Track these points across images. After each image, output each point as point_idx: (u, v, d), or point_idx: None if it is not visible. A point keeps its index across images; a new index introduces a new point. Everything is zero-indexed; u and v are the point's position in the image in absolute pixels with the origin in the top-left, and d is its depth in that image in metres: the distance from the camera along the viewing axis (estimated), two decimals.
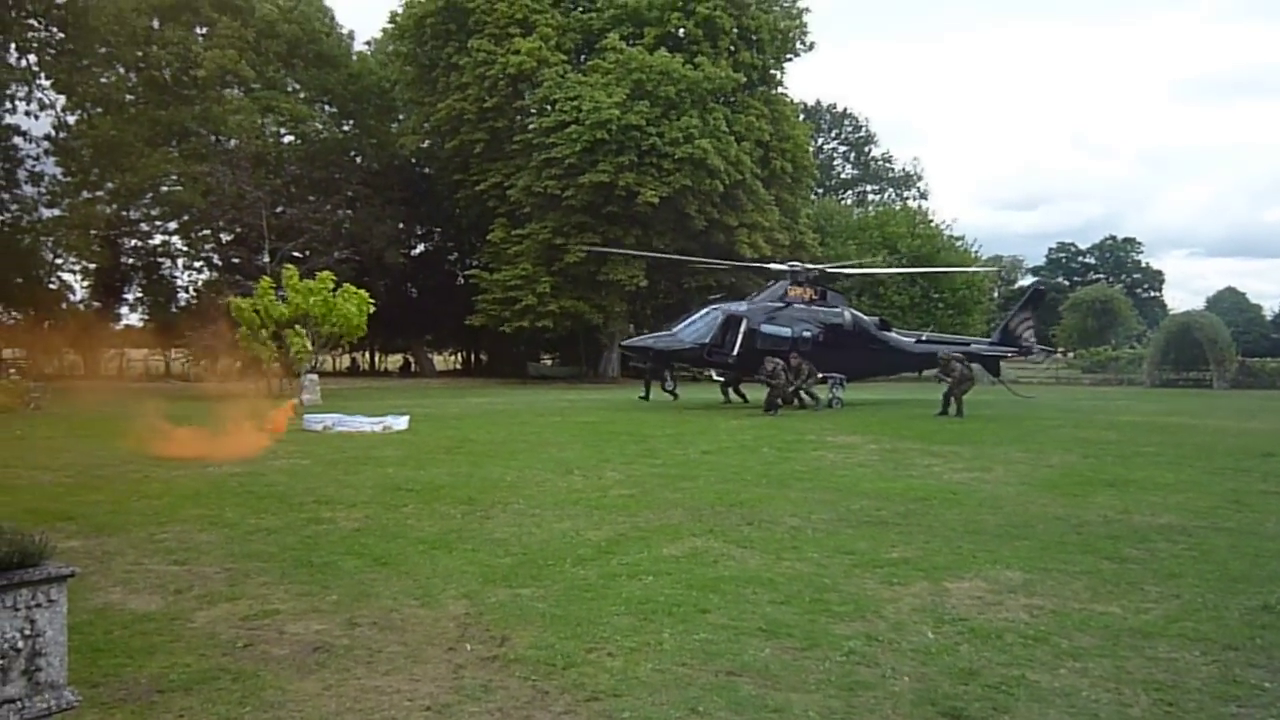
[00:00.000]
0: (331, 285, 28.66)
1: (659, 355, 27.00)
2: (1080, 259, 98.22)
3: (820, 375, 25.75)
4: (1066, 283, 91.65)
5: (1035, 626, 6.11)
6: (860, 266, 43.14)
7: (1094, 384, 50.33)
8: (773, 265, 30.99)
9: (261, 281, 29.59)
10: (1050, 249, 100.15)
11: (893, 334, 29.40)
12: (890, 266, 52.47)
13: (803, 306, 26.85)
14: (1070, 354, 67.27)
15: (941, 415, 23.01)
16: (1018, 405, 28.74)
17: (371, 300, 29.89)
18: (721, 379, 28.27)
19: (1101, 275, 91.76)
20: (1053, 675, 5.25)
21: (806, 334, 26.18)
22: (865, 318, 28.97)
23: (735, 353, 25.34)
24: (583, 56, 50.47)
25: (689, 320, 26.91)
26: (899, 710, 4.75)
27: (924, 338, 30.98)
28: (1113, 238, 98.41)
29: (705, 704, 4.80)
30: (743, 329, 25.43)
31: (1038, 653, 5.62)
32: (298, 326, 28.13)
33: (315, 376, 30.28)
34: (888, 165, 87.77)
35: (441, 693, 4.96)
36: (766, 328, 25.79)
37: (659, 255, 40.94)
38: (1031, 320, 31.84)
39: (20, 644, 3.50)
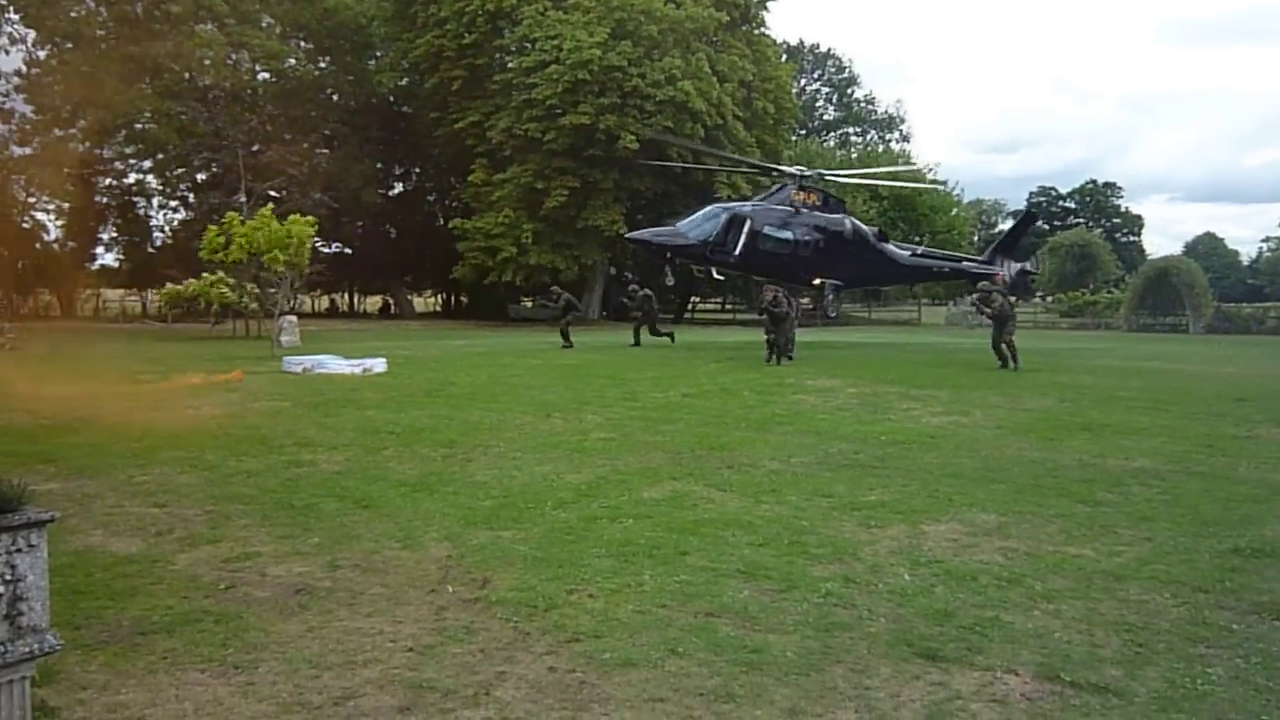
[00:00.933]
0: (272, 219, 28.24)
1: (661, 250, 26.92)
2: (1060, 203, 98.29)
3: (817, 281, 25.90)
4: (1046, 226, 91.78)
5: (1009, 569, 6.20)
6: (857, 177, 42.76)
7: (1072, 328, 50.64)
8: (778, 168, 30.73)
9: (219, 224, 29.28)
10: (1031, 193, 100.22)
11: (890, 245, 29.40)
12: (880, 187, 52.24)
13: (805, 211, 26.83)
14: (1049, 298, 67.56)
15: (1003, 368, 20.71)
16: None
17: (313, 221, 29.33)
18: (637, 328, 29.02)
19: (1081, 219, 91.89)
20: (1026, 617, 5.34)
21: (807, 239, 26.20)
22: (865, 227, 28.90)
23: (738, 252, 25.33)
24: None
25: (693, 218, 26.82)
26: (875, 651, 4.83)
27: (918, 252, 30.95)
28: (1093, 182, 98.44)
29: (685, 645, 4.86)
30: (746, 229, 25.39)
31: (1011, 594, 5.71)
32: (218, 273, 28.06)
33: (294, 318, 30.12)
34: (870, 107, 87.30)
35: (423, 634, 5.01)
36: (769, 229, 25.79)
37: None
38: (1019, 240, 31.72)
39: (1, 589, 3.49)
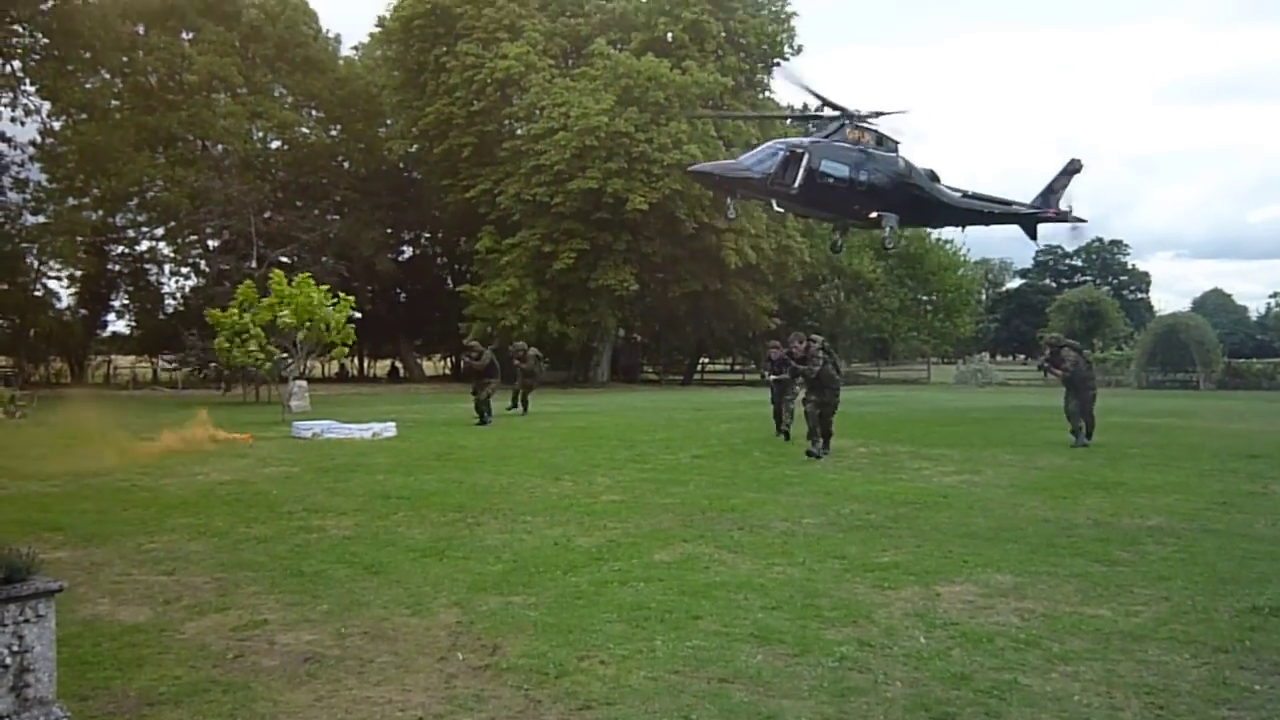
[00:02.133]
0: (313, 290, 28.10)
1: (723, 183, 26.90)
2: (1067, 261, 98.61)
3: (874, 215, 26.04)
4: (1054, 285, 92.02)
5: (1026, 630, 6.12)
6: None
7: None
8: (826, 112, 30.74)
9: (241, 286, 29.29)
10: (1038, 251, 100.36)
11: (941, 186, 29.33)
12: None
13: (861, 148, 26.84)
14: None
15: (1079, 445, 16.67)
16: (1007, 408, 28.82)
17: (353, 302, 29.42)
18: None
19: (1089, 277, 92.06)
20: (1044, 679, 5.26)
21: (863, 175, 26.19)
22: (919, 167, 28.86)
23: (796, 186, 25.29)
24: (570, 62, 50.48)
25: (753, 153, 26.85)
26: (891, 716, 4.75)
27: (968, 193, 30.74)
28: (1099, 240, 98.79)
29: (698, 712, 4.79)
30: (804, 164, 25.42)
31: (1029, 656, 5.63)
32: (254, 329, 27.92)
33: (304, 383, 30.19)
34: None
35: (433, 703, 4.95)
36: (827, 164, 25.79)
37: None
38: (1067, 188, 31.47)
39: (8, 660, 3.47)
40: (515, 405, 26.18)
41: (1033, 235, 30.92)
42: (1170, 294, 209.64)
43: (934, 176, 28.54)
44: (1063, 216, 30.02)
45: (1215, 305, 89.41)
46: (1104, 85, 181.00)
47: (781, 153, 25.61)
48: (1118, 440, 18.25)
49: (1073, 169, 30.65)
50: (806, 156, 25.43)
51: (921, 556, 8.18)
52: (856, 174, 26.10)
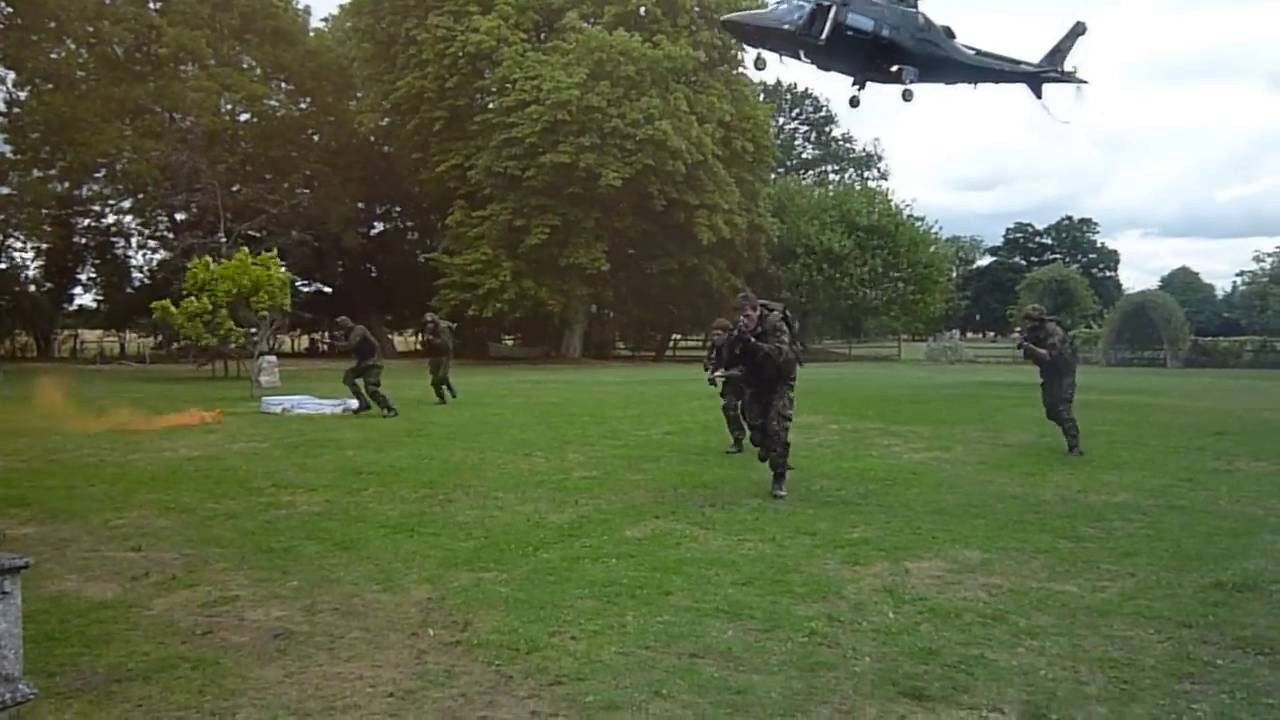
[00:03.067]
0: (248, 259, 28.15)
1: (754, 32, 26.97)
2: (1037, 239, 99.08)
3: (895, 69, 26.23)
4: (1024, 262, 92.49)
5: (994, 605, 6.18)
6: None
7: None
8: None
9: (194, 263, 29.09)
10: (1008, 229, 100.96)
11: (957, 43, 29.45)
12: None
13: (884, 3, 26.98)
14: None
15: (1072, 451, 13.41)
16: (976, 385, 29.05)
17: (279, 262, 29.19)
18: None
19: (1058, 255, 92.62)
20: (1011, 654, 5.32)
21: (886, 31, 26.33)
22: (935, 23, 28.96)
23: (824, 37, 25.41)
24: (543, 35, 50.12)
25: (783, 4, 26.88)
26: (860, 690, 4.79)
27: (981, 52, 30.80)
28: (1069, 218, 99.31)
29: (669, 686, 4.82)
30: (831, 16, 25.50)
31: (996, 632, 5.69)
32: (200, 298, 27.80)
33: (273, 358, 29.95)
34: (848, 145, 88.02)
35: (404, 679, 4.95)
36: (853, 17, 25.91)
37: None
38: (1071, 50, 31.59)
39: None
40: (441, 399, 21.82)
41: (1038, 94, 30.84)
42: (1139, 272, 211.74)
43: (950, 33, 28.71)
44: (1067, 76, 30.16)
45: (1183, 284, 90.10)
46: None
47: (810, 5, 25.75)
48: (1085, 417, 18.36)
49: (1077, 32, 30.66)
50: (834, 9, 25.55)
51: (891, 532, 8.25)
52: (880, 28, 26.19)
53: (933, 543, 7.89)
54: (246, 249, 28.58)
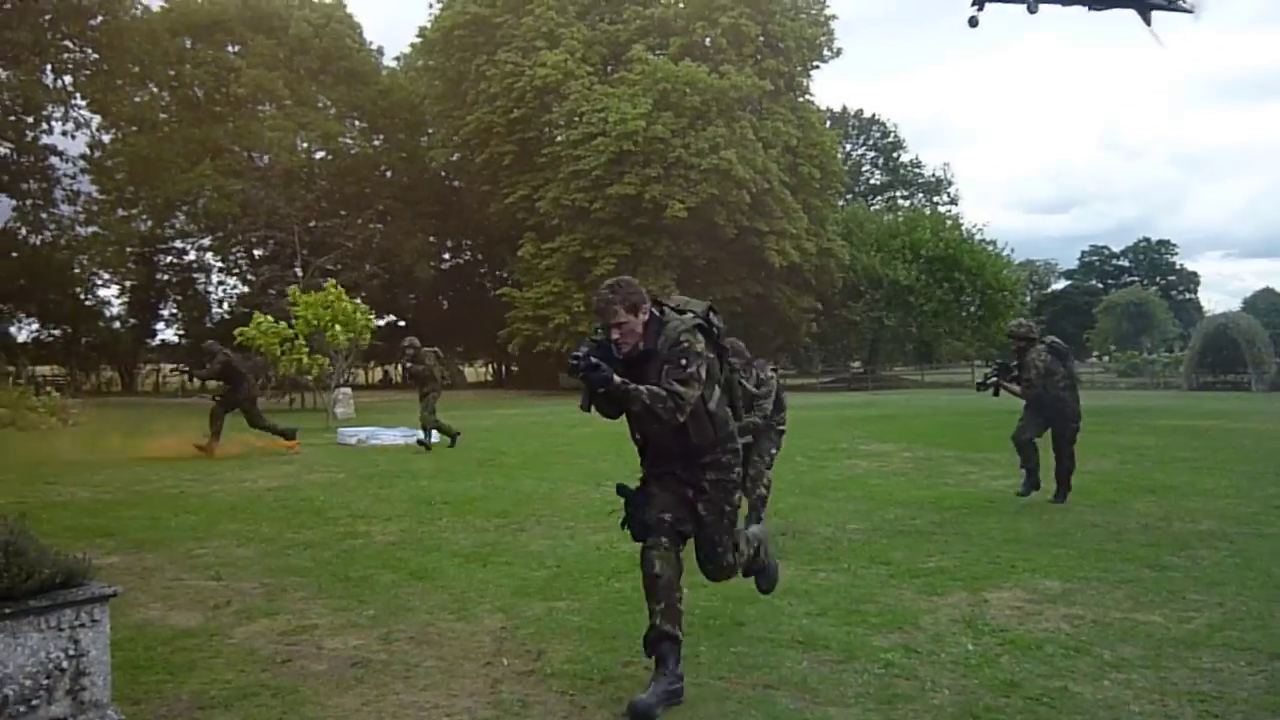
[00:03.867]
0: (334, 295, 28.35)
1: None
2: (1114, 261, 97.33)
3: None
4: (1100, 285, 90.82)
5: (1076, 637, 6.03)
6: None
7: (1130, 387, 49.79)
8: None
9: (255, 315, 29.30)
10: (1083, 252, 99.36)
11: None
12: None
13: None
14: (1105, 357, 66.59)
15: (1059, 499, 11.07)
16: None
17: (363, 302, 29.36)
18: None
19: (1136, 278, 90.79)
20: (1095, 687, 5.18)
21: None
22: None
23: None
24: (609, 68, 50.63)
25: None
26: None
27: None
28: (1146, 240, 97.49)
29: (743, 718, 4.77)
30: None
31: (1079, 664, 5.55)
32: (300, 341, 27.97)
33: (348, 390, 30.48)
34: (917, 171, 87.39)
35: (479, 707, 4.96)
36: None
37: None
38: None
39: (65, 664, 3.53)
40: (426, 443, 18.07)
41: (1147, 21, 30.30)
42: (1220, 294, 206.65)
43: None
44: (1175, 5, 29.70)
45: (1266, 305, 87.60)
46: (1150, 82, 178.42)
47: None
48: (1168, 443, 17.98)
49: None
50: None
51: (968, 562, 8.10)
52: None
53: (1011, 572, 7.74)
54: (334, 283, 28.87)
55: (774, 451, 9.74)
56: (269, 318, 28.33)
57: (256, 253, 50.39)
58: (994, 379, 11.29)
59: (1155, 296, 75.15)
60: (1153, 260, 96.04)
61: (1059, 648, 5.82)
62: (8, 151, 45.48)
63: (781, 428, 9.82)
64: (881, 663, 5.55)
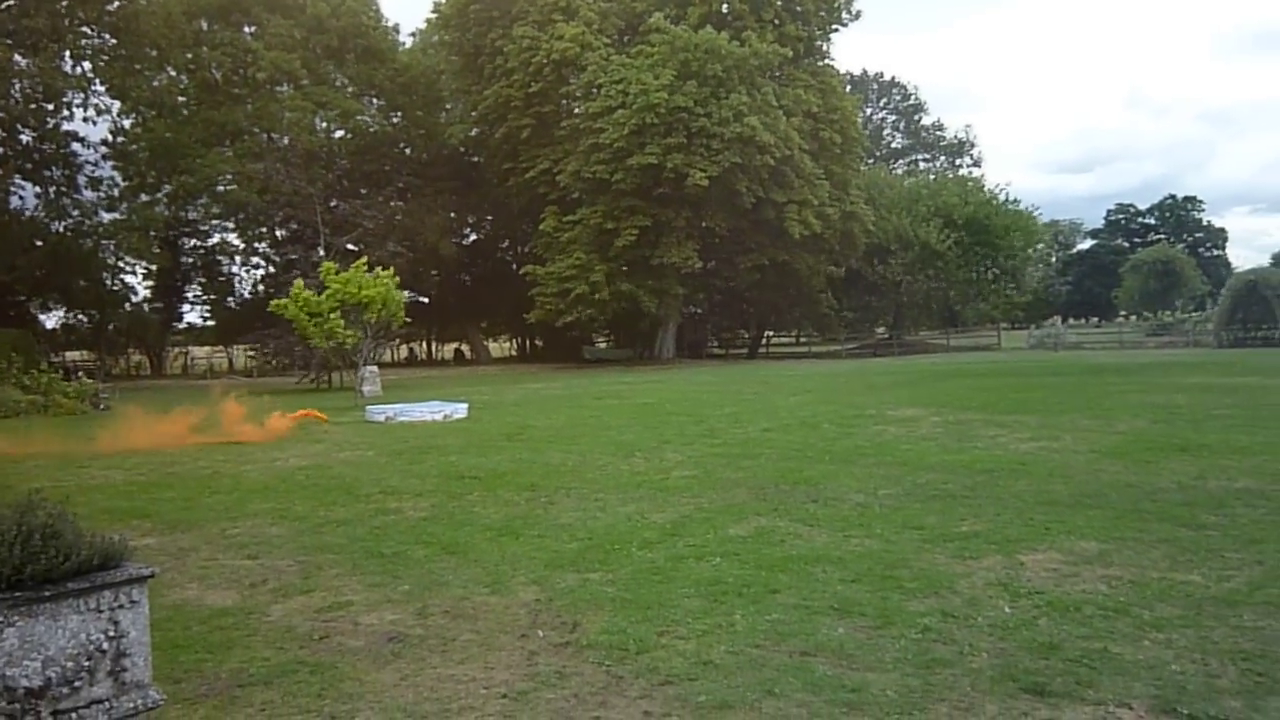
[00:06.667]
0: (364, 271, 28.37)
1: None
2: (1140, 220, 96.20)
3: None
4: (1126, 244, 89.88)
5: (1114, 598, 5.98)
6: None
7: (1159, 347, 49.30)
8: None
9: (295, 284, 29.26)
10: (1109, 210, 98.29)
11: None
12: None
13: None
14: (1133, 317, 65.96)
15: None
16: (1083, 372, 28.28)
17: (396, 277, 29.34)
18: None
19: (1162, 235, 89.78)
20: (1136, 647, 5.14)
21: None
22: None
23: None
24: (626, 39, 50.24)
25: None
26: (979, 687, 4.67)
27: None
28: (1172, 197, 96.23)
29: (781, 685, 4.76)
30: None
31: (1118, 624, 5.50)
32: (334, 314, 27.98)
33: (375, 368, 30.58)
34: (939, 133, 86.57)
35: (516, 680, 4.98)
36: None
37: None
38: None
39: (105, 645, 3.55)
40: None
41: None
42: (1249, 250, 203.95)
43: None
44: None
45: None
46: (1172, 36, 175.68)
47: None
48: (1200, 401, 17.79)
49: None
50: None
51: (1002, 525, 8.05)
52: None
53: (1046, 534, 7.68)
54: (365, 261, 28.97)
55: None
56: (306, 289, 28.35)
57: (279, 234, 50.48)
58: None
59: (1182, 254, 74.23)
60: (1179, 218, 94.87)
61: (1097, 609, 5.77)
62: (30, 139, 45.73)
63: None
64: (919, 627, 5.53)
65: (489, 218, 63.49)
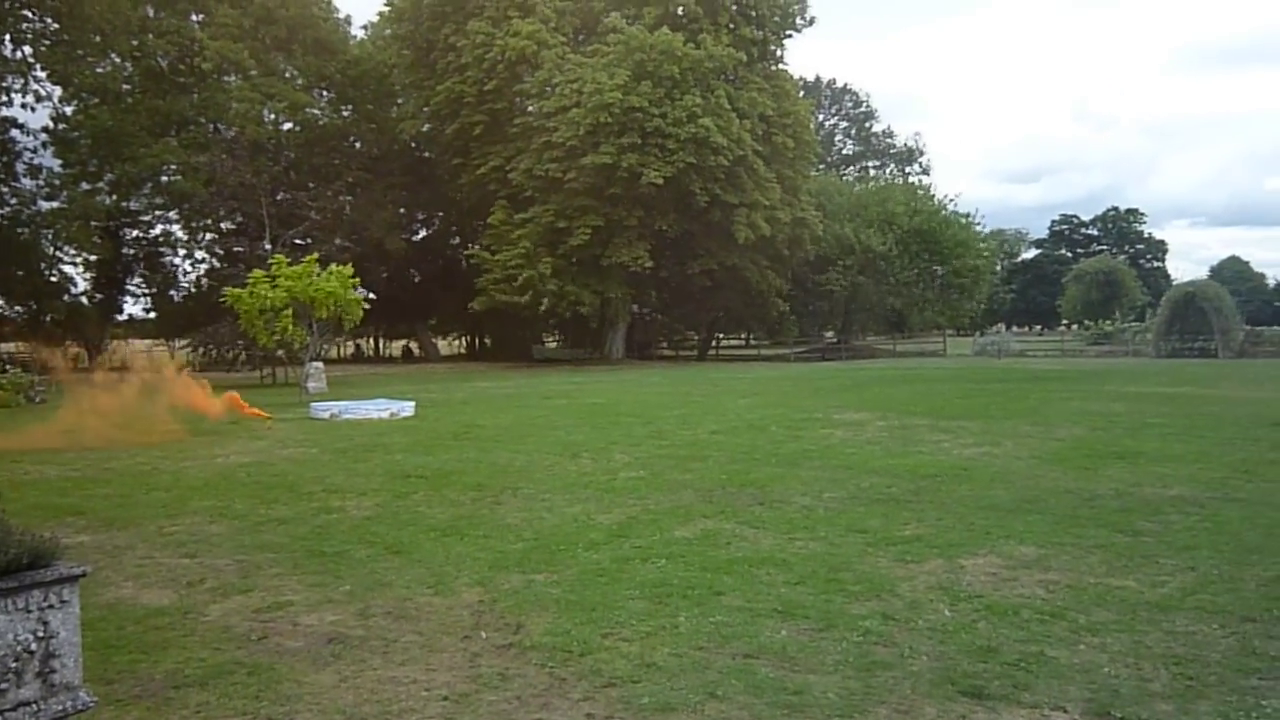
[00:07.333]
0: (316, 269, 28.03)
1: None
2: (1083, 230, 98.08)
3: None
4: (1069, 255, 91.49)
5: (1051, 602, 6.07)
6: None
7: (1099, 355, 50.19)
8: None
9: (254, 273, 28.92)
10: (1053, 221, 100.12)
11: None
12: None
13: None
14: (1074, 325, 67.08)
15: None
16: (1025, 380, 28.71)
17: (354, 277, 29.00)
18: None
19: (1105, 246, 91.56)
20: (1071, 651, 5.22)
21: None
22: None
23: None
24: (582, 38, 50.16)
25: None
26: (918, 690, 4.72)
27: None
28: (1115, 209, 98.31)
29: (723, 687, 4.77)
30: None
31: (1055, 629, 5.59)
32: (286, 311, 27.64)
33: (320, 364, 30.25)
34: (889, 141, 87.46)
35: (459, 682, 4.94)
36: None
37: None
38: None
39: (34, 646, 3.46)
40: None
41: None
42: (1187, 262, 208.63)
43: None
44: None
45: (1233, 273, 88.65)
46: (1119, 51, 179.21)
47: None
48: (1137, 410, 18.13)
49: None
50: None
51: (943, 529, 8.14)
52: None
53: (986, 539, 7.78)
54: (316, 257, 28.60)
55: None
56: (263, 276, 27.88)
57: (224, 226, 49.67)
58: None
59: (1124, 265, 75.78)
60: (1121, 229, 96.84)
61: (1035, 613, 5.86)
62: None
63: None
64: (860, 630, 5.57)
65: (439, 214, 63.02)
